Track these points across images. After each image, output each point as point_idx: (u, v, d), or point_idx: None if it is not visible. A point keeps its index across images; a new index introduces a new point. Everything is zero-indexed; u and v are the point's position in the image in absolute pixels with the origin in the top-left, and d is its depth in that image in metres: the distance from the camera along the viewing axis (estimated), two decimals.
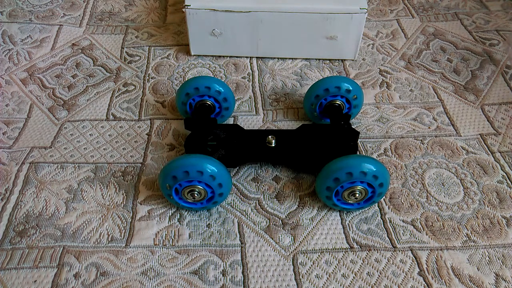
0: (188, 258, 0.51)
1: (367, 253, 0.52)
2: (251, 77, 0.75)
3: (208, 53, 0.78)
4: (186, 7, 0.71)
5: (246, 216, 0.56)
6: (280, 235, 0.54)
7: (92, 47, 0.81)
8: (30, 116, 0.68)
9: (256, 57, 0.78)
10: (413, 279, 0.49)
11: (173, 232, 0.54)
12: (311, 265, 0.51)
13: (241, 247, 0.53)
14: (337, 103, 0.62)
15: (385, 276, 0.50)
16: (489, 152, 0.63)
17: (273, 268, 0.51)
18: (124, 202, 0.57)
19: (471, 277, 0.50)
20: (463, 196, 0.57)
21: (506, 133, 0.65)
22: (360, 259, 0.51)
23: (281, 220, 0.55)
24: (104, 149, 0.63)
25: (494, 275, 0.50)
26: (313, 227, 0.54)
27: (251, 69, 0.77)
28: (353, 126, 0.65)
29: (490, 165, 0.61)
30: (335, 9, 0.70)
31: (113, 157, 0.62)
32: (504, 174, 0.60)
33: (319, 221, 0.55)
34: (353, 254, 0.52)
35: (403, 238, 0.53)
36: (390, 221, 0.55)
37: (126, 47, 0.81)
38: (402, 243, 0.53)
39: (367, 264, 0.51)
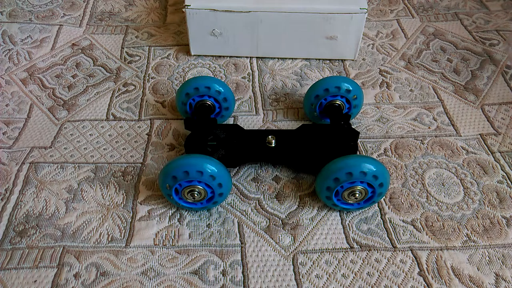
0: (188, 258, 0.51)
1: (367, 253, 0.52)
2: (251, 77, 0.75)
3: (208, 53, 0.78)
4: (186, 7, 0.71)
5: (246, 216, 0.56)
6: (280, 235, 0.54)
7: (92, 47, 0.81)
8: (30, 116, 0.68)
9: (256, 57, 0.78)
10: (413, 279, 0.49)
11: (173, 232, 0.54)
12: (311, 265, 0.51)
13: (241, 247, 0.53)
14: (337, 103, 0.62)
15: (385, 276, 0.50)
16: (489, 152, 0.63)
17: (273, 268, 0.51)
18: (124, 202, 0.57)
19: (471, 277, 0.50)
20: (463, 196, 0.57)
21: (506, 133, 0.65)
22: (360, 259, 0.51)
23: (281, 220, 0.55)
24: (104, 149, 0.63)
25: (494, 275, 0.50)
26: (313, 227, 0.54)
27: (251, 69, 0.77)
28: (353, 126, 0.65)
29: (490, 165, 0.61)
30: (335, 9, 0.70)
31: (113, 157, 0.62)
32: (504, 174, 0.60)
33: (319, 221, 0.55)
34: (353, 254, 0.52)
35: (403, 238, 0.53)
36: (390, 221, 0.55)
37: (126, 47, 0.81)
38: (402, 243, 0.53)
39: (367, 264, 0.51)
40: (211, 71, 0.76)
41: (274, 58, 0.78)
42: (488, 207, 0.56)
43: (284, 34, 0.74)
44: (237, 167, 0.61)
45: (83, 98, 0.71)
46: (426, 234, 0.53)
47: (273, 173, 0.60)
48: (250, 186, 0.59)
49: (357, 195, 0.52)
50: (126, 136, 0.65)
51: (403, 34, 0.83)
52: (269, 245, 0.53)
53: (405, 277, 0.50)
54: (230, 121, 0.68)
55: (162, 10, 0.91)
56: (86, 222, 0.55)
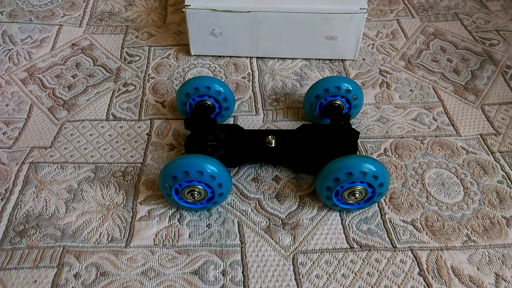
0: (188, 258, 0.51)
1: (367, 253, 0.52)
2: (251, 77, 0.75)
3: (208, 53, 0.78)
4: (186, 7, 0.71)
5: (246, 216, 0.56)
6: (280, 235, 0.54)
7: (92, 47, 0.81)
8: (30, 116, 0.68)
9: (256, 57, 0.78)
10: (413, 279, 0.49)
11: (173, 232, 0.54)
12: (311, 265, 0.51)
13: (241, 247, 0.53)
14: (337, 103, 0.62)
15: (385, 276, 0.50)
16: (489, 152, 0.63)
17: (273, 268, 0.51)
18: (124, 202, 0.57)
19: (471, 277, 0.50)
20: (463, 196, 0.57)
21: (506, 133, 0.65)
22: (360, 259, 0.51)
23: (281, 220, 0.55)
24: (104, 149, 0.63)
25: (494, 275, 0.50)
26: (313, 227, 0.54)
27: (251, 69, 0.77)
28: (353, 126, 0.65)
29: (490, 165, 0.61)
30: (335, 9, 0.70)
31: (113, 157, 0.62)
32: (504, 174, 0.60)
33: (319, 221, 0.55)
34: (353, 254, 0.52)
35: (403, 238, 0.53)
36: (390, 221, 0.55)
37: (126, 47, 0.81)
38: (402, 243, 0.53)
39: (367, 264, 0.51)
40: (211, 71, 0.76)
41: (274, 58, 0.78)
42: (488, 207, 0.56)
43: (284, 34, 0.74)
44: (237, 167, 0.61)
45: (83, 98, 0.71)
46: (426, 234, 0.53)
47: (273, 173, 0.60)
48: (250, 186, 0.59)
49: (357, 195, 0.52)
50: (126, 136, 0.65)
51: (403, 34, 0.83)
52: (269, 245, 0.53)
53: (405, 277, 0.50)
54: (230, 121, 0.68)
55: (162, 10, 0.91)
56: (86, 222, 0.55)
